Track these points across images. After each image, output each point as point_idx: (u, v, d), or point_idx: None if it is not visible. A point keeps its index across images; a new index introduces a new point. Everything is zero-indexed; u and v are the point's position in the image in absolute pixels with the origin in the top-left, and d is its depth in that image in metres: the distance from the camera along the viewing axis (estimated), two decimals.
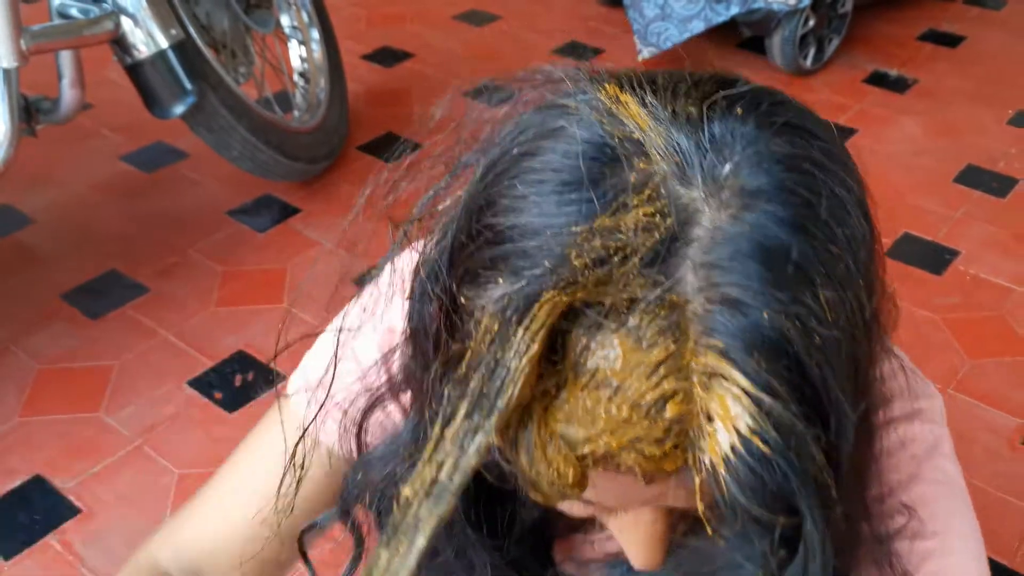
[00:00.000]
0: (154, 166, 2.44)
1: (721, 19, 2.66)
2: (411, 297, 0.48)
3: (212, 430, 1.71)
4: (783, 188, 0.40)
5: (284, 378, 0.75)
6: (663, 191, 0.40)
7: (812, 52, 2.81)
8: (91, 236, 2.19)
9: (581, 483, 0.41)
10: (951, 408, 1.76)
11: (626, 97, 0.43)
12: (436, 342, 0.45)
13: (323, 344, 0.70)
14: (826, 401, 0.39)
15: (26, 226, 2.22)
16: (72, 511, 1.58)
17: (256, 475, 0.70)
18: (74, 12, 1.81)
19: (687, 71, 0.47)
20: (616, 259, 0.39)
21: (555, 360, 0.40)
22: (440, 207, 0.48)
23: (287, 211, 2.27)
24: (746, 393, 0.38)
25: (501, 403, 0.38)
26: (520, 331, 0.39)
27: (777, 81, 2.80)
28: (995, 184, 2.39)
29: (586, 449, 0.40)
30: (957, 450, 0.61)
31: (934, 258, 2.14)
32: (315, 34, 2.43)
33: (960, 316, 1.98)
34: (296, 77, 2.46)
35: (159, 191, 2.35)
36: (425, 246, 0.47)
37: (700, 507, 0.41)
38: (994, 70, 2.91)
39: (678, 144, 0.41)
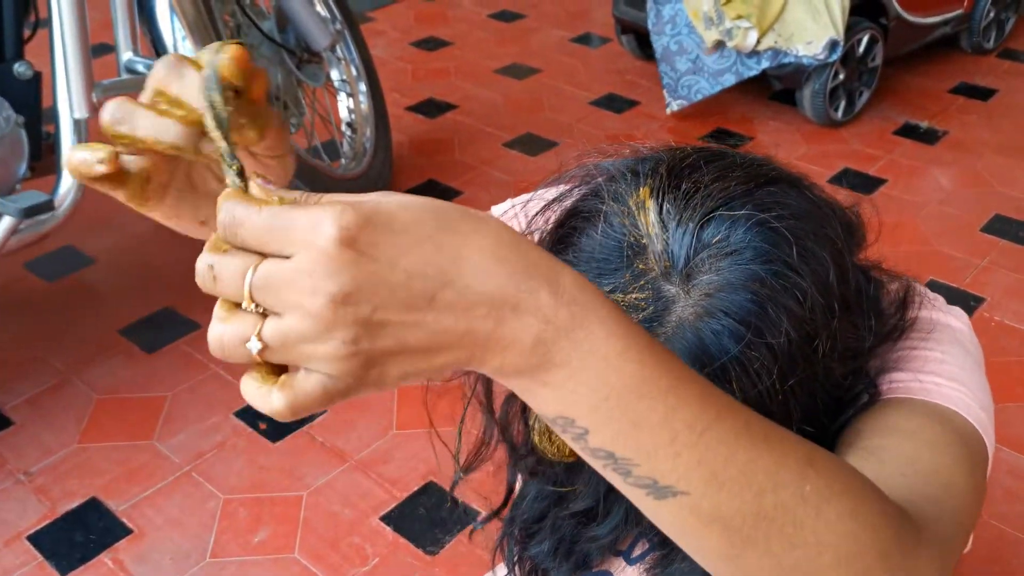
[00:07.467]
0: None
1: (752, 73, 2.74)
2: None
3: (256, 458, 1.80)
4: (736, 307, 0.56)
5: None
6: (651, 285, 0.58)
7: (843, 104, 2.87)
8: (148, 276, 2.32)
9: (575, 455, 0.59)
10: None
11: (649, 203, 0.60)
12: None
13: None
14: None
15: (88, 266, 2.36)
16: (124, 531, 1.68)
17: None
18: (140, 68, 1.95)
19: (728, 163, 0.62)
20: None
21: None
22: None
23: None
24: None
25: None
26: None
27: (808, 132, 2.88)
28: (1022, 234, 2.43)
29: None
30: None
31: (960, 305, 2.16)
32: (363, 87, 2.56)
33: (985, 362, 2.01)
34: (344, 127, 2.59)
35: None
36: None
37: None
38: None
39: (672, 251, 0.58)
